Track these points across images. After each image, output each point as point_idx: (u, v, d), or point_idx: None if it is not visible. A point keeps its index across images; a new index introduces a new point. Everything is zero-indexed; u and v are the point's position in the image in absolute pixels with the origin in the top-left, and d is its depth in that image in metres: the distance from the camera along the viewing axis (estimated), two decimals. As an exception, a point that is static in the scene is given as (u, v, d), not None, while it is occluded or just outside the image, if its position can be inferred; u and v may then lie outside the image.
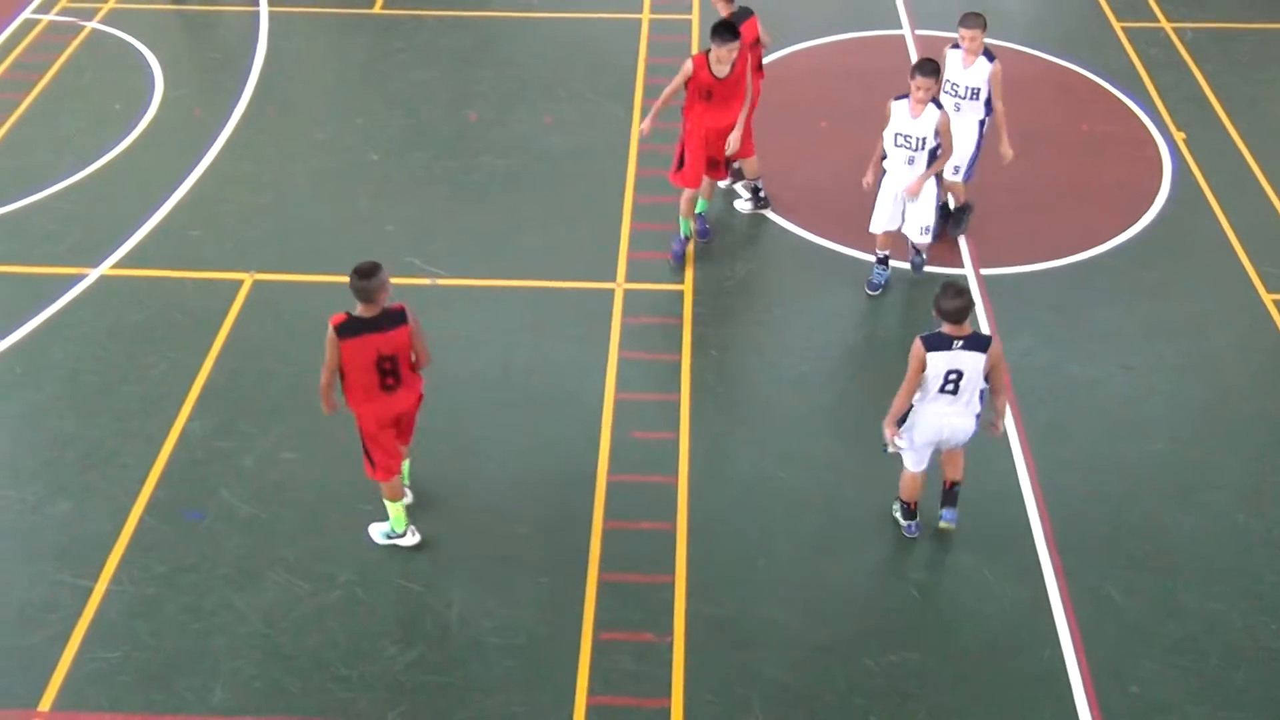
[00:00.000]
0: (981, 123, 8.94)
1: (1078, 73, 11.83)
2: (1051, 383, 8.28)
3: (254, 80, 11.57)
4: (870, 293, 8.83)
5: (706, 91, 8.52)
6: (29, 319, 8.73)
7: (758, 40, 9.33)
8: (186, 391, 8.14)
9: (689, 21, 12.64)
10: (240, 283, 9.09)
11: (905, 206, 8.59)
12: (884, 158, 8.52)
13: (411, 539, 7.09)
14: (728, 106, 8.65)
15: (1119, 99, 11.41)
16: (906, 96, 8.21)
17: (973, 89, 8.78)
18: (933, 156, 8.35)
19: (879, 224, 8.72)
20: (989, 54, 8.76)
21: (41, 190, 10.06)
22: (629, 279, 9.17)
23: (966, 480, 7.07)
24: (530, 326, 8.73)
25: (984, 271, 9.27)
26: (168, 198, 9.98)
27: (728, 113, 8.67)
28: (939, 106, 8.23)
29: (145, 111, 11.06)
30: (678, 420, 7.97)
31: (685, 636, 6.65)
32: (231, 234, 9.63)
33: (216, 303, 8.89)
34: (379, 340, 6.40)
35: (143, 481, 7.51)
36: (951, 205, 9.40)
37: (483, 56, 11.88)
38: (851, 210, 9.09)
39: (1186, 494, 7.52)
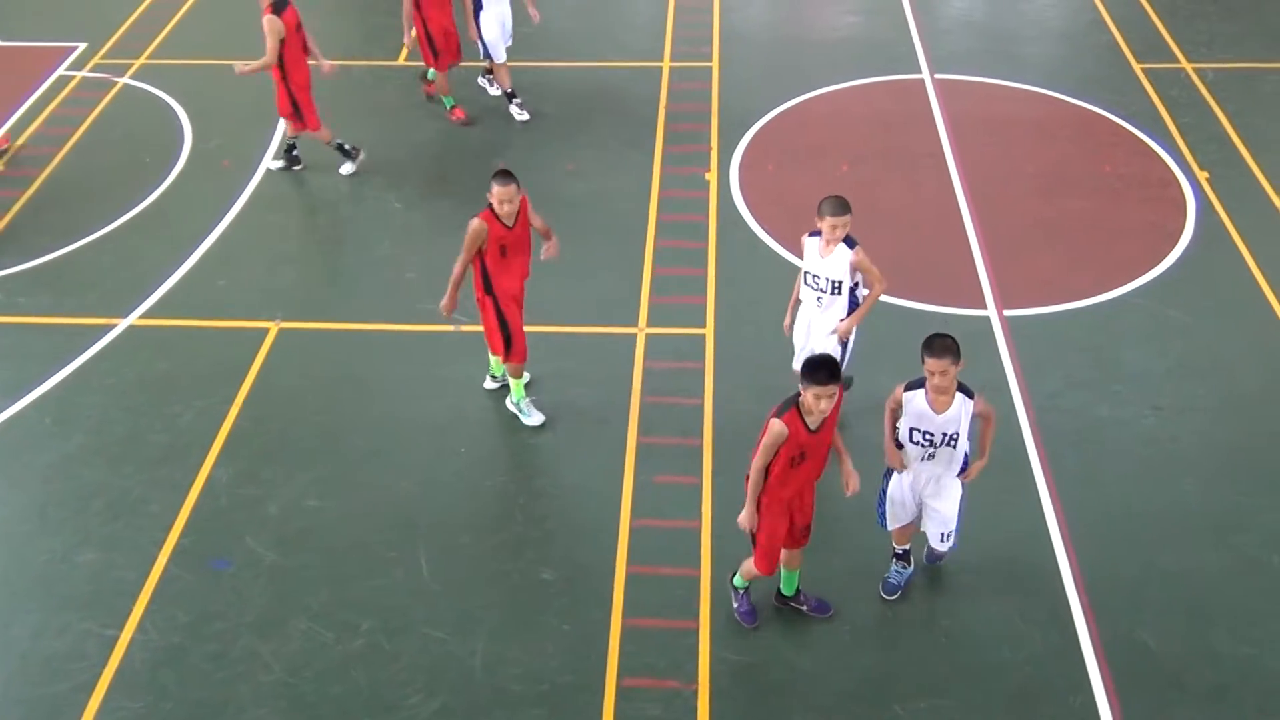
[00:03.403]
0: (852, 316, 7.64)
1: (1099, 114, 11.84)
2: (1080, 425, 8.20)
3: (280, 131, 11.74)
4: (886, 596, 7.03)
5: (800, 454, 6.17)
6: (59, 369, 8.83)
7: (300, 25, 10.50)
8: (212, 439, 8.19)
9: (709, 69, 12.76)
10: (266, 331, 9.17)
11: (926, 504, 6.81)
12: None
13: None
14: (818, 459, 6.31)
15: (1141, 140, 11.41)
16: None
17: (835, 282, 7.44)
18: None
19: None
20: (849, 240, 7.36)
21: (73, 242, 10.22)
22: (650, 324, 9.20)
23: (994, 526, 7.01)
24: (553, 372, 8.75)
25: (1008, 313, 9.23)
26: (196, 248, 10.11)
27: (817, 465, 6.34)
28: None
29: (175, 164, 11.25)
30: (701, 464, 7.94)
31: (710, 683, 6.58)
32: (257, 283, 9.74)
33: (242, 351, 8.97)
34: None
35: (169, 530, 7.54)
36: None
37: (505, 106, 12.01)
38: (874, 255, 9.07)
39: (1218, 536, 7.40)
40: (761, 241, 10.11)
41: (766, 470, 6.19)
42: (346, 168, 11.07)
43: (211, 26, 13.79)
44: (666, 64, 12.85)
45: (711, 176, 10.98)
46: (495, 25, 11.34)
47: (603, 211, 10.56)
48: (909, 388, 6.36)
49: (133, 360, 8.95)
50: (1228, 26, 13.41)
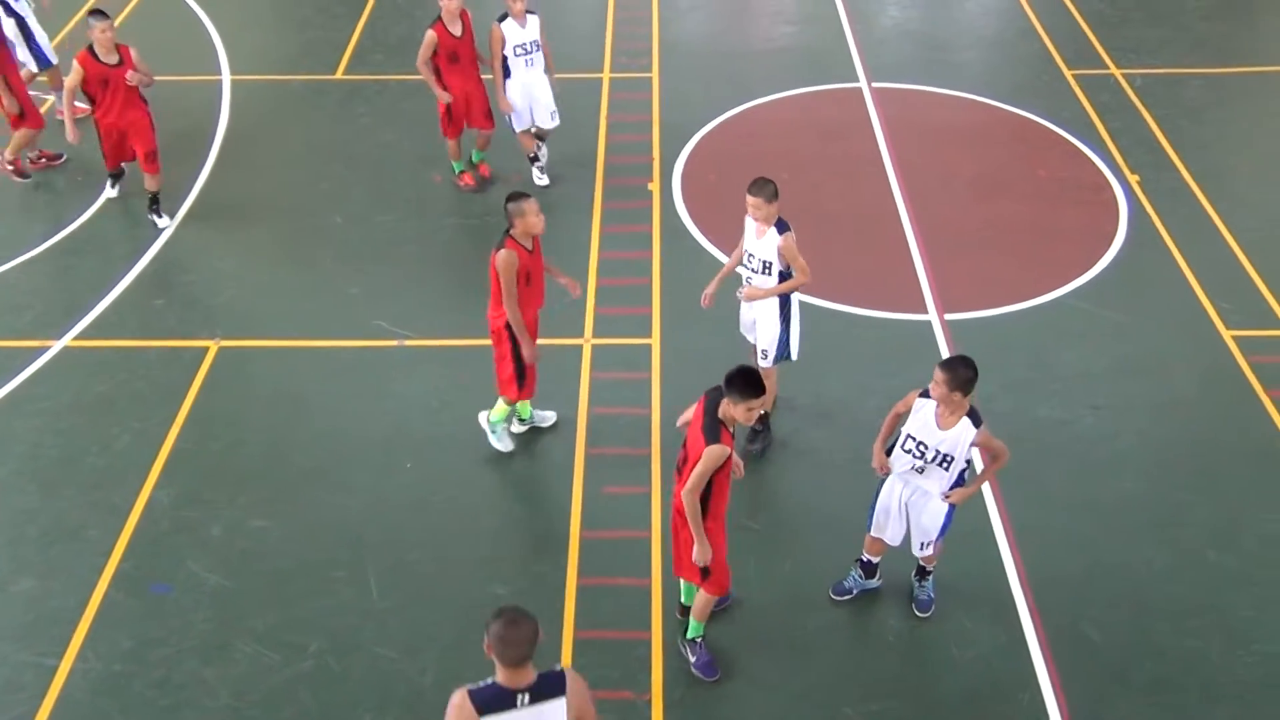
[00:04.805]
0: (784, 302, 7.79)
1: (1033, 120, 12.06)
2: (1021, 425, 8.32)
3: (217, 148, 11.60)
4: (834, 596, 7.11)
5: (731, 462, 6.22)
6: (-10, 393, 8.63)
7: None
8: (152, 462, 8.04)
9: (649, 80, 12.81)
10: (205, 350, 9.03)
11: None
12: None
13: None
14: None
15: (1074, 144, 11.64)
16: None
17: (765, 262, 7.64)
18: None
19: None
20: (781, 225, 7.55)
21: (4, 263, 9.99)
22: (596, 334, 9.19)
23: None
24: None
25: (948, 317, 9.36)
26: (131, 267, 9.93)
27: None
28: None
29: (108, 183, 11.03)
30: (650, 474, 7.94)
31: (663, 693, 6.58)
32: (196, 302, 9.58)
33: (181, 371, 8.82)
34: None
35: (108, 555, 7.38)
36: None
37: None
38: (816, 261, 9.14)
39: (1158, 532, 7.55)
40: (705, 250, 10.15)
41: (706, 495, 6.08)
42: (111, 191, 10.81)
43: (142, 45, 13.55)
44: (606, 75, 12.87)
45: (654, 187, 11.01)
46: (518, 94, 10.48)
47: (547, 223, 10.50)
48: (924, 394, 6.34)
49: (67, 383, 8.76)
50: (1153, 33, 13.74)
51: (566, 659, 6.74)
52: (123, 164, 10.52)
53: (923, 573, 7.01)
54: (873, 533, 6.84)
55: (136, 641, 6.86)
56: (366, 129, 11.96)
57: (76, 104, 10.42)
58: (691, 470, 6.00)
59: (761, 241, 7.61)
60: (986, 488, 7.76)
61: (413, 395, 8.60)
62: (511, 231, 7.39)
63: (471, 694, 4.58)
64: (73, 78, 9.82)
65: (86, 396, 8.63)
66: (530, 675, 4.58)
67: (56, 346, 9.09)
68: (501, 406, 8.05)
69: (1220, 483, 7.90)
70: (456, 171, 11.04)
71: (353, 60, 13.22)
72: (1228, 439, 8.25)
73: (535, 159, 10.99)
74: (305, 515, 7.67)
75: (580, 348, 9.05)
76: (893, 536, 6.76)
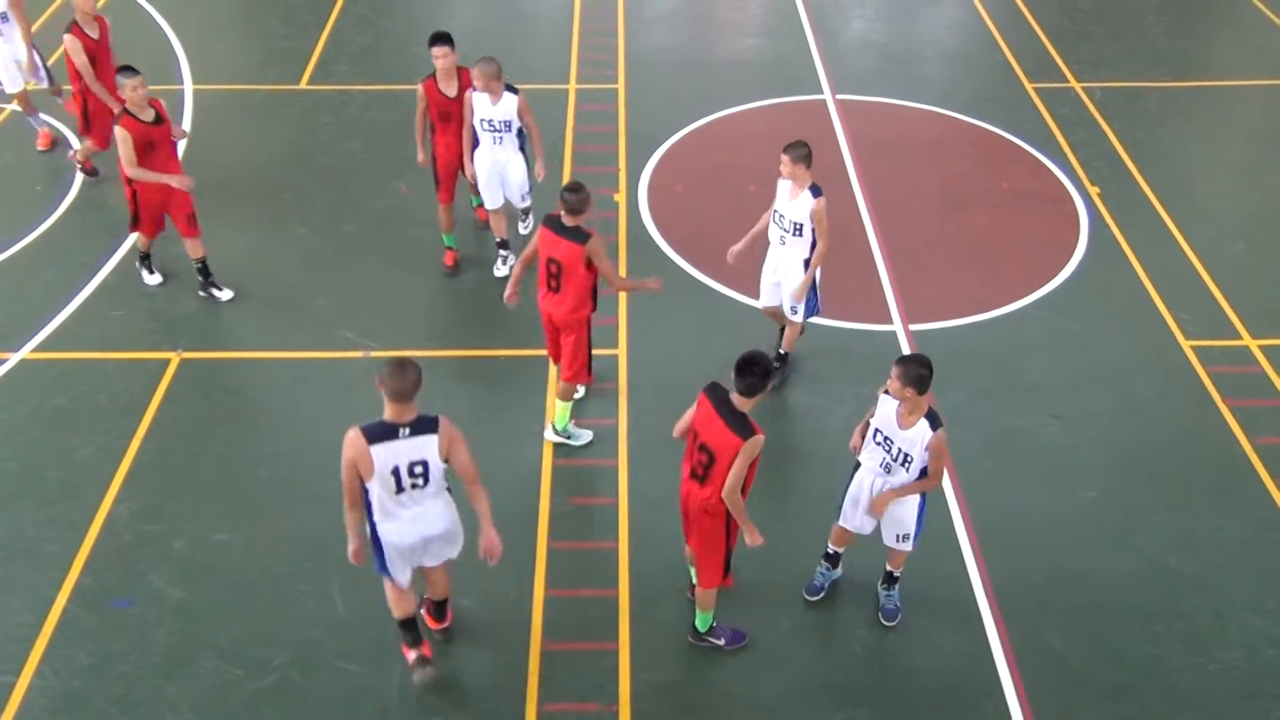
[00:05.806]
0: (807, 261, 8.26)
1: (995, 133, 12.19)
2: (984, 434, 8.41)
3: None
4: (808, 596, 7.20)
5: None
6: (-54, 406, 8.49)
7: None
8: (112, 475, 7.93)
9: (615, 91, 12.83)
10: (166, 362, 8.93)
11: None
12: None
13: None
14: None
15: (1035, 157, 11.78)
16: None
17: (796, 224, 8.06)
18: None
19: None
20: (815, 188, 8.00)
21: (-41, 274, 9.86)
22: (563, 345, 9.17)
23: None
24: (465, 396, 8.67)
25: (913, 327, 9.43)
26: (90, 279, 9.81)
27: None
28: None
29: (67, 193, 10.91)
30: (616, 485, 7.93)
31: (631, 704, 6.56)
32: (156, 314, 9.48)
33: (142, 384, 8.72)
34: None
35: (67, 569, 7.27)
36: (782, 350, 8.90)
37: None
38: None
39: (1119, 539, 7.64)
40: (671, 261, 10.18)
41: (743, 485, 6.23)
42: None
43: (104, 51, 13.44)
44: (573, 86, 12.88)
45: (620, 198, 11.02)
46: (485, 169, 9.51)
47: (512, 234, 10.51)
48: (888, 391, 6.44)
49: (26, 396, 8.63)
50: (1112, 47, 13.94)
51: (534, 672, 6.71)
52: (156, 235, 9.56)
53: (890, 580, 7.06)
54: (840, 522, 6.92)
55: (96, 658, 6.77)
56: (331, 139, 11.90)
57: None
58: (726, 469, 6.08)
59: (794, 203, 8.00)
60: (951, 497, 7.82)
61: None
62: (579, 219, 7.50)
63: (363, 430, 5.77)
64: (125, 149, 8.85)
65: (45, 410, 8.51)
66: (412, 414, 5.79)
67: (14, 359, 8.96)
68: (559, 411, 8.14)
69: (1179, 491, 8.01)
70: (446, 245, 10.10)
71: (317, 70, 13.15)
72: (1187, 448, 8.36)
73: (503, 244, 10.00)
74: (269, 528, 7.60)
75: (546, 359, 9.01)
76: (858, 526, 6.84)
